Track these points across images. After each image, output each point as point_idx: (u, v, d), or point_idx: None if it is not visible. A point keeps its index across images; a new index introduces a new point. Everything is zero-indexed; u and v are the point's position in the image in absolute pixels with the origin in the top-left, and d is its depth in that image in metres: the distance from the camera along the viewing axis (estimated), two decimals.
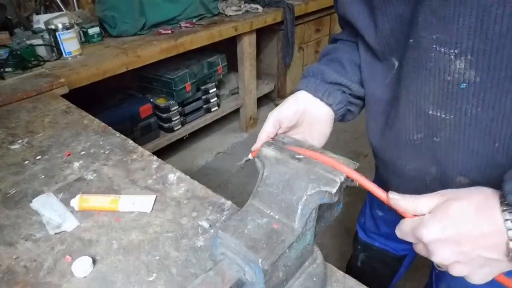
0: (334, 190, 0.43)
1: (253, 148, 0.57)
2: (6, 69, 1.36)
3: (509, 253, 0.39)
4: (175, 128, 2.32)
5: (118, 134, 0.94)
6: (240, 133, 2.89)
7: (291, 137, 0.56)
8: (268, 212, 0.46)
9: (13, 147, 0.90)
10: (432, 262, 0.43)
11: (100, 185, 0.76)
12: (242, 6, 2.51)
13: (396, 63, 0.55)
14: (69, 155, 0.86)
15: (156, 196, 0.72)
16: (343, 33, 0.72)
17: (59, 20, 1.60)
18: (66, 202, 0.71)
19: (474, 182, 0.51)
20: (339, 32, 0.74)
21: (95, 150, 0.87)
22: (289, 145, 0.52)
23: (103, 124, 0.99)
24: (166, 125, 2.29)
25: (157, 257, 0.59)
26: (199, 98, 2.45)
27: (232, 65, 2.63)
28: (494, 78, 0.43)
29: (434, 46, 0.46)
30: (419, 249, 0.44)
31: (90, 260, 0.58)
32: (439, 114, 0.49)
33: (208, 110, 2.55)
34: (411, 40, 0.48)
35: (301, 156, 0.48)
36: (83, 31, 1.87)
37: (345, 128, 2.88)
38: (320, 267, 0.49)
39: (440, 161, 0.53)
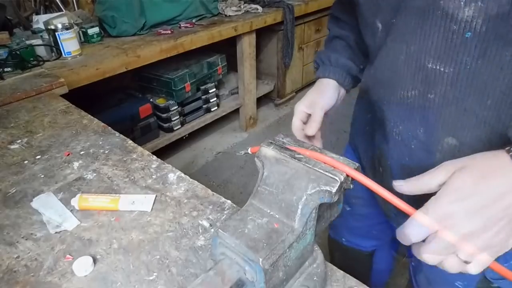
0: (334, 190, 0.43)
1: (310, 131, 0.69)
2: (6, 69, 1.36)
3: None
4: (175, 128, 2.32)
5: (117, 134, 0.94)
6: (240, 133, 2.89)
7: (291, 137, 0.56)
8: (268, 211, 0.46)
9: (12, 147, 0.90)
10: (410, 256, 0.42)
11: (100, 185, 0.76)
12: (242, 7, 2.51)
13: (380, 26, 0.57)
14: (68, 154, 0.86)
15: (156, 196, 0.72)
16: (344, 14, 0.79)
17: (59, 20, 1.60)
18: (66, 202, 0.71)
19: (461, 144, 0.53)
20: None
21: (94, 150, 0.87)
22: (289, 145, 0.52)
23: (103, 124, 0.99)
24: (165, 125, 2.29)
25: (157, 257, 0.59)
26: (199, 98, 2.45)
27: (232, 65, 2.63)
28: (500, 28, 0.44)
29: None
30: (438, 239, 0.40)
31: (91, 259, 0.58)
32: (438, 67, 0.50)
33: (208, 110, 2.55)
34: None
35: (301, 156, 0.48)
36: (82, 31, 1.87)
37: (345, 128, 2.88)
38: (320, 267, 0.49)
39: (430, 121, 0.54)
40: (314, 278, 0.48)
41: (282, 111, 3.18)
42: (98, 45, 1.88)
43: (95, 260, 0.59)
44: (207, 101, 2.50)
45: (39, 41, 1.60)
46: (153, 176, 0.78)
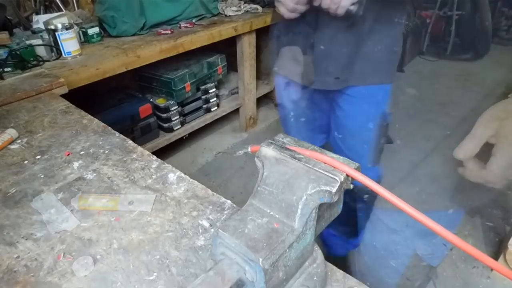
0: (334, 190, 0.43)
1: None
2: (6, 69, 1.36)
3: None
4: (175, 128, 2.32)
5: (117, 134, 0.94)
6: (240, 133, 2.89)
7: (291, 137, 0.56)
8: (268, 211, 0.46)
9: (12, 147, 0.90)
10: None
11: (100, 185, 0.76)
12: (242, 6, 2.51)
13: None
14: (68, 154, 0.86)
15: (156, 196, 0.72)
16: None
17: (59, 20, 1.60)
18: (66, 202, 0.71)
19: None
20: None
21: (94, 150, 0.87)
22: (289, 145, 0.52)
23: (103, 124, 0.99)
24: (165, 125, 2.29)
25: (157, 257, 0.59)
26: (199, 98, 2.45)
27: (232, 65, 2.63)
28: None
29: None
30: None
31: (91, 259, 0.58)
32: None
33: (208, 110, 2.55)
34: None
35: (301, 156, 0.48)
36: (82, 31, 1.87)
37: None
38: (320, 267, 0.49)
39: None
40: (314, 278, 0.48)
41: None
42: (98, 45, 1.88)
43: (95, 260, 0.59)
44: (207, 101, 2.50)
45: (39, 41, 1.60)
46: (153, 176, 0.78)
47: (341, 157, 0.47)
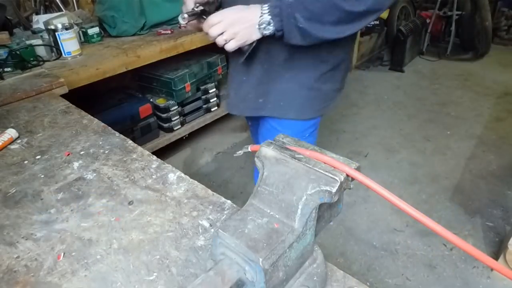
0: (334, 190, 0.43)
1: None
2: (6, 69, 1.36)
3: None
4: (175, 128, 2.32)
5: (117, 134, 0.94)
6: (240, 133, 2.89)
7: (291, 137, 0.56)
8: (268, 211, 0.46)
9: (12, 147, 0.90)
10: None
11: (100, 185, 0.76)
12: None
13: None
14: (68, 155, 0.86)
15: (156, 196, 0.72)
16: None
17: (59, 20, 1.60)
18: (66, 202, 0.71)
19: None
20: None
21: (94, 150, 0.87)
22: (289, 145, 0.52)
23: (103, 124, 0.99)
24: (165, 125, 2.29)
25: (157, 257, 0.59)
26: (199, 98, 2.45)
27: None
28: None
29: None
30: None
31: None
32: None
33: (208, 110, 2.54)
34: None
35: (301, 156, 0.48)
36: (82, 31, 1.87)
37: (345, 128, 2.88)
38: (320, 267, 0.49)
39: None
40: (314, 278, 0.48)
41: None
42: (98, 45, 1.88)
43: (95, 260, 0.59)
44: (207, 101, 2.50)
45: (39, 41, 1.60)
46: (153, 176, 0.78)
47: (341, 157, 0.47)
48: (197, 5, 0.95)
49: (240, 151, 0.59)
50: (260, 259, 0.40)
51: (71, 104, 1.11)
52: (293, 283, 0.46)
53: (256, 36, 0.87)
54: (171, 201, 0.71)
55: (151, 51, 1.83)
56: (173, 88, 2.19)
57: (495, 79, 3.58)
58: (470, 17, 3.85)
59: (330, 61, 1.00)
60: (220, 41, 0.88)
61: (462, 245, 0.42)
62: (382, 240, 1.87)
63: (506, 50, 4.27)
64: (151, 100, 2.24)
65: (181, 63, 2.30)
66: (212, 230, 0.64)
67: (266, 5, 0.83)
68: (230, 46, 0.88)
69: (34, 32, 1.70)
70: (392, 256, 1.78)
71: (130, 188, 0.75)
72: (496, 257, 1.67)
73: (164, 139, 2.28)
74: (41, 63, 1.51)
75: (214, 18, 0.86)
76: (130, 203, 0.71)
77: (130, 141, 0.90)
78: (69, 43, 1.63)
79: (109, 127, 0.97)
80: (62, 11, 1.98)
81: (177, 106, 2.27)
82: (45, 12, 1.98)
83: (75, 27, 1.74)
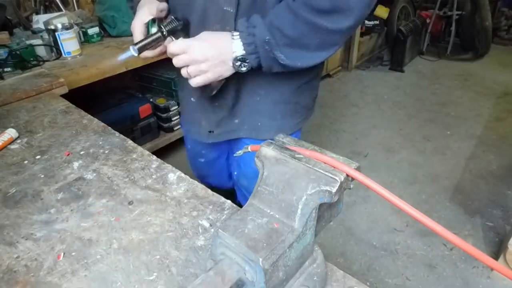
0: (334, 190, 0.43)
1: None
2: (6, 69, 1.36)
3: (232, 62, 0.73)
4: (175, 128, 2.32)
5: (117, 134, 0.94)
6: None
7: (291, 137, 0.56)
8: (268, 211, 0.46)
9: (12, 147, 0.90)
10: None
11: (100, 185, 0.76)
12: None
13: None
14: (68, 155, 0.86)
15: (156, 196, 0.72)
16: None
17: (59, 20, 1.60)
18: (66, 202, 0.71)
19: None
20: None
21: (94, 150, 0.87)
22: (289, 145, 0.52)
23: (103, 124, 0.99)
24: (165, 125, 2.29)
25: (157, 257, 0.59)
26: None
27: None
28: None
29: None
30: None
31: None
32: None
33: None
34: None
35: (301, 156, 0.48)
36: (82, 31, 1.87)
37: (345, 128, 2.88)
38: (320, 267, 0.49)
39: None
40: (314, 278, 0.48)
41: None
42: (98, 45, 1.88)
43: (95, 260, 0.59)
44: None
45: (39, 41, 1.60)
46: (153, 176, 0.78)
47: (341, 157, 0.47)
48: (154, 30, 0.80)
49: (240, 151, 0.59)
50: (260, 259, 0.40)
51: (71, 104, 1.11)
52: (293, 283, 0.46)
53: (229, 73, 0.77)
54: (171, 201, 0.71)
55: None
56: (173, 88, 2.19)
57: (495, 79, 3.58)
58: (470, 17, 3.85)
59: (306, 71, 0.90)
60: (183, 73, 0.76)
61: (462, 245, 0.42)
62: (382, 240, 1.87)
63: (506, 50, 4.27)
64: (151, 100, 2.24)
65: None
66: (212, 230, 0.64)
67: (239, 40, 0.72)
68: (195, 82, 0.76)
69: (34, 32, 1.70)
70: (392, 256, 1.78)
71: (130, 188, 0.75)
72: (496, 257, 1.67)
73: (164, 139, 2.28)
74: (41, 63, 1.51)
75: (176, 47, 0.74)
76: (130, 203, 0.71)
77: (130, 141, 0.90)
78: (69, 43, 1.63)
79: (109, 127, 0.97)
80: (62, 11, 1.98)
81: (177, 106, 2.27)
82: (45, 12, 1.98)
83: (75, 27, 1.74)
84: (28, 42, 1.55)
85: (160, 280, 0.55)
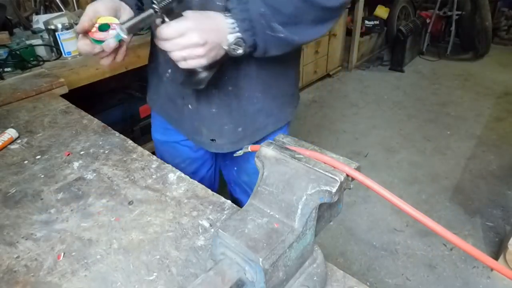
0: (334, 190, 0.43)
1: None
2: (6, 69, 1.36)
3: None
4: None
5: (117, 134, 0.94)
6: None
7: (291, 137, 0.56)
8: (268, 211, 0.46)
9: (12, 147, 0.90)
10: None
11: (100, 185, 0.76)
12: None
13: None
14: (68, 154, 0.86)
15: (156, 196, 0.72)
16: None
17: (59, 20, 1.60)
18: (66, 202, 0.71)
19: None
20: None
21: (94, 150, 0.87)
22: (289, 145, 0.52)
23: (103, 124, 0.99)
24: None
25: (157, 257, 0.59)
26: None
27: None
28: None
29: None
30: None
31: None
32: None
33: None
34: None
35: (301, 156, 0.48)
36: None
37: (345, 128, 2.88)
38: (320, 267, 0.49)
39: None
40: (314, 278, 0.48)
41: None
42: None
43: (95, 260, 0.59)
44: None
45: (39, 41, 1.60)
46: (153, 176, 0.78)
47: (341, 157, 0.47)
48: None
49: (240, 151, 0.59)
50: (260, 259, 0.40)
51: (71, 104, 1.11)
52: (293, 283, 0.46)
53: (219, 57, 0.70)
54: (171, 201, 0.71)
55: None
56: None
57: (495, 79, 3.58)
58: (470, 17, 3.85)
59: (290, 63, 0.93)
60: (175, 56, 0.68)
61: (462, 245, 0.42)
62: (382, 240, 1.87)
63: (506, 50, 4.27)
64: None
65: None
66: (212, 230, 0.64)
67: (231, 20, 0.67)
68: (186, 65, 0.69)
69: (34, 32, 1.70)
70: (392, 256, 1.78)
71: (130, 188, 0.75)
72: (496, 257, 1.67)
73: None
74: (41, 63, 1.50)
75: (172, 30, 0.65)
76: (130, 203, 0.71)
77: (130, 141, 0.90)
78: (69, 43, 1.63)
79: (109, 127, 0.97)
80: (62, 11, 1.98)
81: None
82: (45, 12, 1.97)
83: (75, 27, 1.74)
84: (28, 42, 1.55)
85: (160, 280, 0.55)
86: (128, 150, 0.87)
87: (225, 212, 0.68)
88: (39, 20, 1.80)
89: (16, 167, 0.82)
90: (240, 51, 0.69)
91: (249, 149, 0.57)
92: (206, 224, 0.65)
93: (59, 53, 1.63)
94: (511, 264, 1.55)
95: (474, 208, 2.04)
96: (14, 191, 0.75)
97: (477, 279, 1.64)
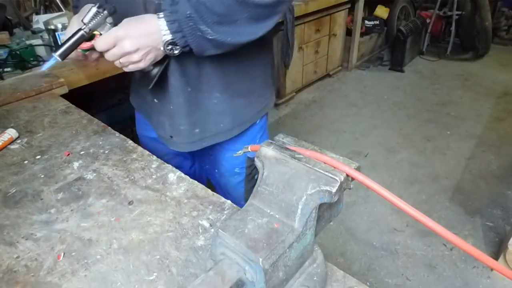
0: (334, 190, 0.43)
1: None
2: (6, 69, 1.36)
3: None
4: None
5: (117, 134, 0.94)
6: None
7: (291, 137, 0.56)
8: (268, 211, 0.46)
9: (12, 147, 0.90)
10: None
11: (100, 185, 0.76)
12: None
13: None
14: (68, 154, 0.86)
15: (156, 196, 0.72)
16: None
17: (59, 20, 1.60)
18: (66, 202, 0.71)
19: None
20: None
21: (94, 150, 0.87)
22: (289, 145, 0.52)
23: (103, 124, 0.99)
24: None
25: (157, 257, 0.59)
26: None
27: None
28: None
29: None
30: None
31: None
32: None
33: None
34: None
35: (301, 156, 0.48)
36: None
37: (345, 128, 2.88)
38: (320, 267, 0.49)
39: None
40: (314, 278, 0.48)
41: (282, 111, 3.18)
42: None
43: (95, 260, 0.59)
44: None
45: (39, 41, 1.60)
46: (153, 176, 0.78)
47: (341, 157, 0.47)
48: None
49: (240, 151, 0.59)
50: (260, 259, 0.40)
51: (71, 104, 1.11)
52: (293, 283, 0.46)
53: (161, 57, 0.74)
54: (171, 201, 0.71)
55: None
56: None
57: (495, 79, 3.58)
58: (470, 17, 3.85)
59: (255, 61, 0.90)
60: (116, 64, 0.75)
61: (462, 245, 0.42)
62: (382, 240, 1.87)
63: (506, 50, 4.27)
64: None
65: None
66: (212, 230, 0.64)
67: (163, 21, 0.69)
68: (128, 69, 0.75)
69: (34, 32, 1.70)
70: (392, 256, 1.78)
71: (130, 188, 0.75)
72: (496, 257, 1.67)
73: None
74: (41, 63, 1.50)
75: (103, 43, 0.70)
76: (130, 203, 0.71)
77: (130, 141, 0.90)
78: None
79: (109, 127, 0.97)
80: (62, 11, 1.98)
81: None
82: (45, 12, 1.98)
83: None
84: (28, 42, 1.55)
85: (160, 280, 0.55)
86: (128, 150, 0.87)
87: (225, 212, 0.68)
88: (39, 20, 1.80)
89: (16, 167, 0.82)
90: (176, 51, 0.72)
91: (249, 149, 0.57)
92: (206, 224, 0.65)
93: None
94: (511, 264, 1.55)
95: (474, 208, 2.04)
96: (14, 191, 0.75)
97: (477, 279, 1.64)
